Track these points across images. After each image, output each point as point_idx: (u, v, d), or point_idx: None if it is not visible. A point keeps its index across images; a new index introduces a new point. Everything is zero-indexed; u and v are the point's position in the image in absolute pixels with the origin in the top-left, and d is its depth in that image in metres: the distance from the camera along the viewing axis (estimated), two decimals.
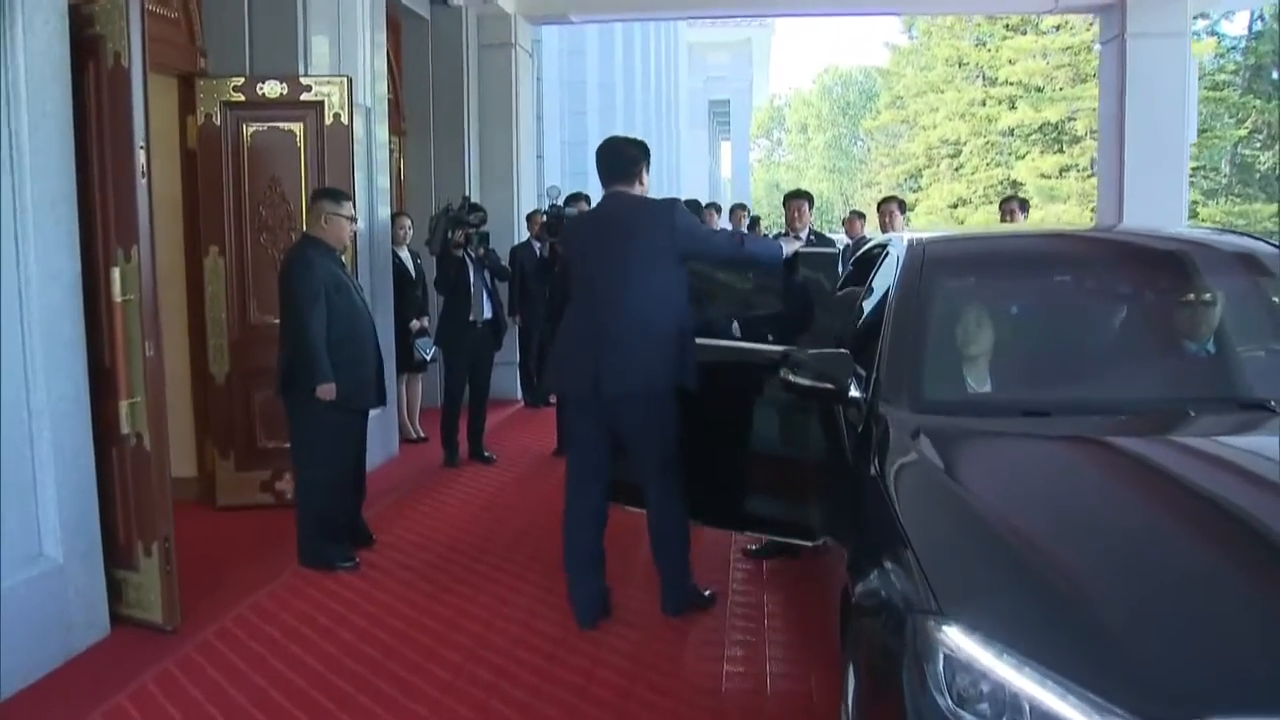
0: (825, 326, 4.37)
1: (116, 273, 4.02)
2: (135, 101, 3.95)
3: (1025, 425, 2.80)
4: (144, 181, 4.00)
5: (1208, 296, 3.31)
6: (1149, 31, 9.19)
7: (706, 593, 4.51)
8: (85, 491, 4.03)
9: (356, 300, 5.12)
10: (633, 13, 12.16)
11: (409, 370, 7.99)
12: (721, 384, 4.21)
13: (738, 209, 10.10)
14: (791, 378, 3.24)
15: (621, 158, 4.33)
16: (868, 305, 3.96)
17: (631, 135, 4.90)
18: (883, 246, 4.17)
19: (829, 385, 3.16)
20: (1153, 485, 2.49)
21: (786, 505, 4.17)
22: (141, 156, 3.98)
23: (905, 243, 3.66)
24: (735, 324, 4.86)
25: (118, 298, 4.03)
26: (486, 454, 7.45)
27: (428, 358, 7.83)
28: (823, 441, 3.80)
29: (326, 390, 4.85)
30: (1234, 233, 4.16)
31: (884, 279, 3.76)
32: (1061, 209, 28.38)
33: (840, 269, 4.89)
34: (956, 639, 1.91)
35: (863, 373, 3.24)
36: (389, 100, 7.91)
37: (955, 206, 33.40)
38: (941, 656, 1.91)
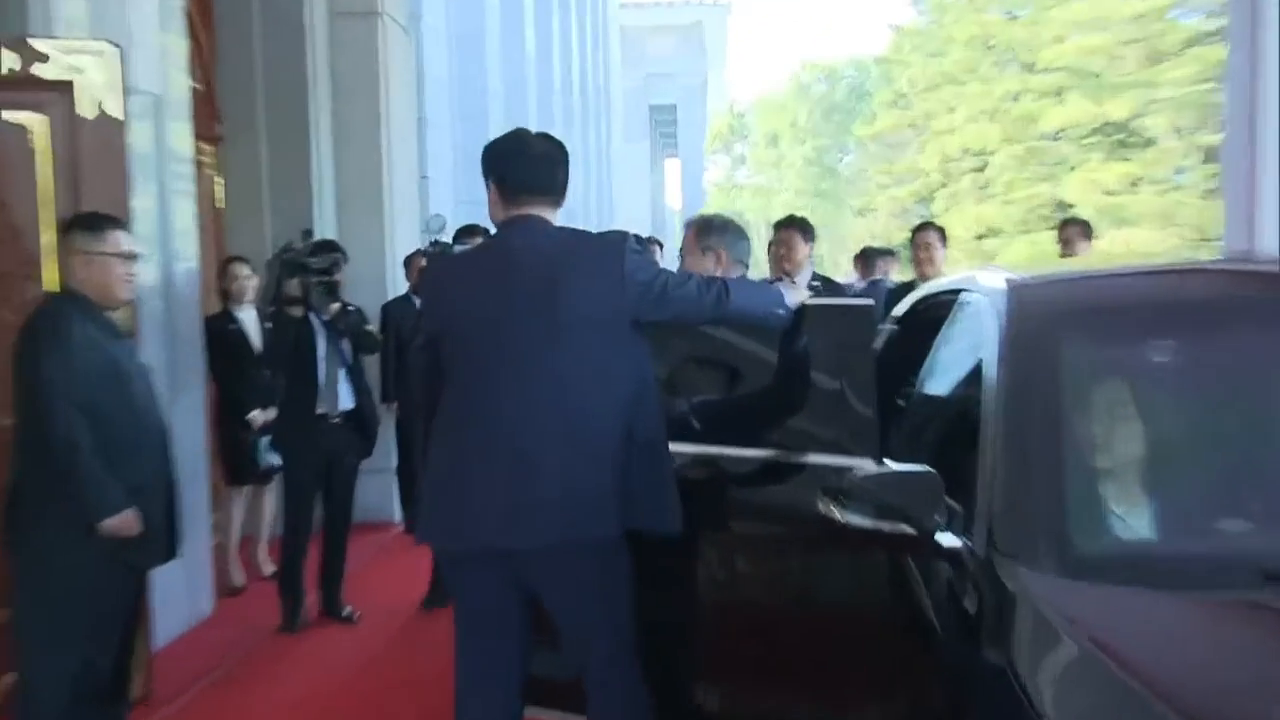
0: (853, 421, 3.68)
1: None
2: None
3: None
4: None
5: None
6: None
7: None
8: None
9: (138, 392, 4.42)
10: None
11: (252, 481, 7.43)
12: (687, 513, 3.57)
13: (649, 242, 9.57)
14: (839, 514, 2.73)
15: (543, 163, 3.64)
16: (940, 390, 3.45)
17: None
18: (953, 294, 3.64)
19: (907, 527, 2.61)
20: None
21: (808, 709, 3.59)
22: None
23: (998, 288, 3.15)
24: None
25: None
26: (345, 611, 6.78)
27: (275, 464, 7.15)
28: (881, 611, 3.23)
29: (125, 522, 4.13)
30: None
31: (963, 347, 3.30)
32: (1130, 234, 28.28)
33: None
34: None
35: (956, 506, 2.65)
36: (195, 90, 7.27)
37: (982, 237, 33.55)
38: None
